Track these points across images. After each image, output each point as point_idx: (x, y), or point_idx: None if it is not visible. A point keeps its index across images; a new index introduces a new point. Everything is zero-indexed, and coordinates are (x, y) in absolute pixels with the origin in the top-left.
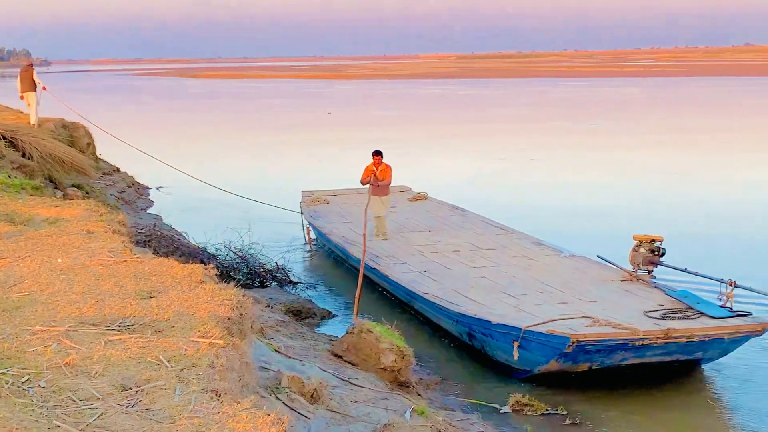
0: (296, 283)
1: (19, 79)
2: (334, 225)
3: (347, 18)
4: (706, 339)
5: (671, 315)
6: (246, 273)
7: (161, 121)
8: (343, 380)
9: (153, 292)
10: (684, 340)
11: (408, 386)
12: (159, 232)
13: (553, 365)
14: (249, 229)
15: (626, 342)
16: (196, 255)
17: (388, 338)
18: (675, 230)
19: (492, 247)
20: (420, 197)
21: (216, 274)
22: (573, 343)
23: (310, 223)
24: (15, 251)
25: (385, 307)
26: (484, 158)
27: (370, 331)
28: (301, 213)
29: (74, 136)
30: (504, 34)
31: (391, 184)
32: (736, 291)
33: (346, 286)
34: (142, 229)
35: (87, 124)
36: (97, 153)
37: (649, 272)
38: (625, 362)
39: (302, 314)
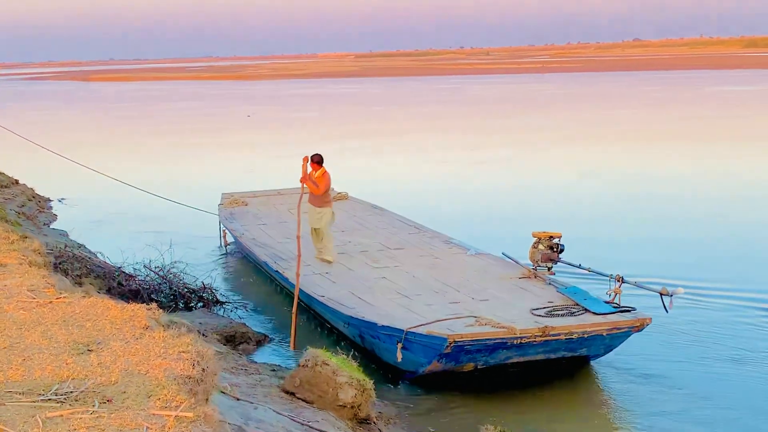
0: (223, 303)
1: None
2: (247, 227)
3: (240, 17)
4: (586, 336)
5: (556, 312)
6: (169, 294)
7: (66, 126)
8: (302, 424)
9: (91, 344)
10: (563, 337)
11: (369, 423)
12: (70, 253)
13: (437, 366)
14: (170, 247)
15: (505, 341)
16: (113, 276)
17: (346, 371)
18: (593, 225)
19: (400, 246)
20: (341, 197)
21: (132, 292)
22: (451, 343)
23: (224, 226)
24: None
25: (313, 325)
26: (412, 158)
27: (326, 364)
28: (218, 215)
29: None
30: (400, 33)
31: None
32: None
33: (272, 301)
34: (50, 250)
35: None
36: None
37: (549, 269)
38: (510, 360)
39: (236, 339)
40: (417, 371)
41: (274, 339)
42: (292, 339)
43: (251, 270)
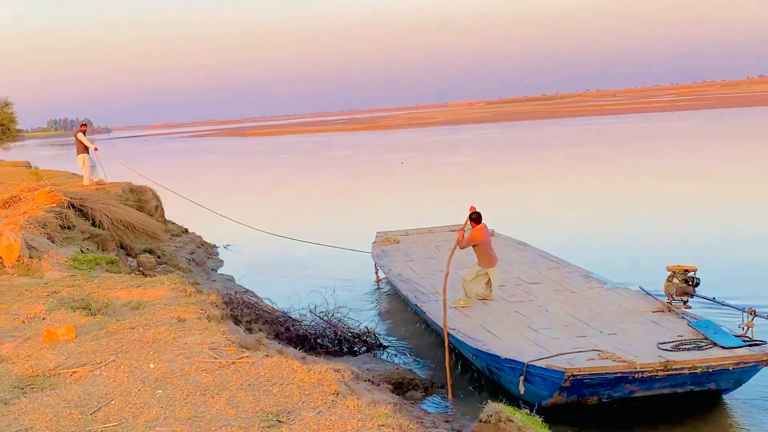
0: (386, 347)
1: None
2: (395, 263)
3: (376, 73)
4: (711, 370)
5: (683, 346)
6: (333, 339)
7: (232, 179)
8: None
9: (280, 414)
10: (687, 371)
11: None
12: (239, 299)
13: (558, 398)
14: (333, 292)
15: (626, 375)
16: (280, 322)
17: (531, 427)
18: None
19: (538, 281)
20: None
21: (302, 336)
22: (569, 377)
23: (375, 263)
24: (96, 353)
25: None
26: (559, 195)
27: (510, 420)
28: (371, 253)
29: (142, 199)
30: (528, 79)
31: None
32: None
33: (425, 341)
34: (222, 296)
35: (152, 185)
36: (166, 215)
37: (684, 302)
38: (635, 394)
39: (404, 386)
40: (541, 403)
41: (435, 383)
42: (449, 387)
43: (400, 305)
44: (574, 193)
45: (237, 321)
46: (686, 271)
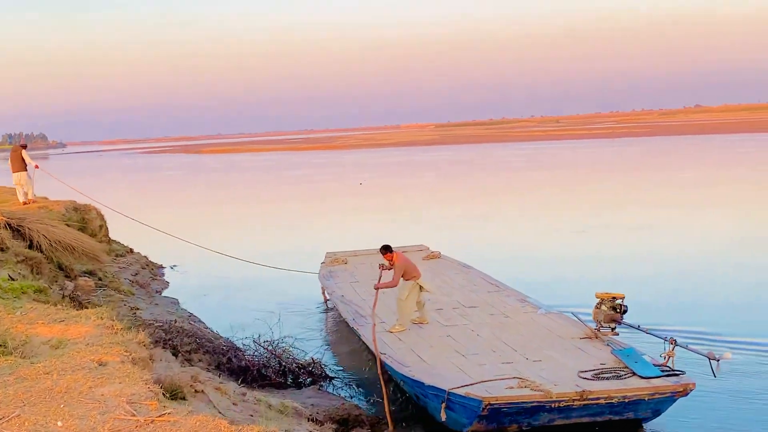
0: (332, 378)
1: (10, 159)
2: (340, 285)
3: (331, 94)
4: (627, 400)
5: (603, 375)
6: (278, 370)
7: (182, 196)
8: None
9: None
10: (603, 401)
11: None
12: (179, 327)
13: (478, 426)
14: (279, 320)
15: (542, 404)
16: (223, 352)
17: None
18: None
19: (475, 304)
20: (433, 255)
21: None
22: (486, 405)
23: (321, 284)
24: (1, 405)
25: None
26: (507, 218)
27: None
28: (318, 273)
29: (86, 218)
30: (475, 103)
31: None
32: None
33: (368, 370)
34: (160, 324)
35: (95, 204)
36: (111, 234)
37: (612, 329)
38: (553, 423)
39: (349, 424)
40: (462, 431)
41: (382, 419)
42: (388, 419)
43: (347, 329)
44: (521, 214)
45: (176, 351)
46: (614, 298)
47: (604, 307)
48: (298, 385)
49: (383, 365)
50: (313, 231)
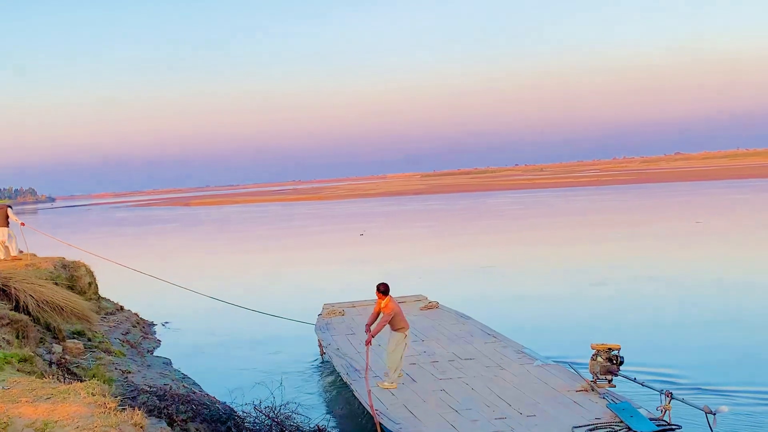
0: None
1: None
2: (336, 337)
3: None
4: None
5: (597, 430)
6: None
7: (178, 249)
8: None
9: None
10: None
11: None
12: (175, 394)
13: None
14: (281, 384)
15: None
16: (222, 420)
17: None
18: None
19: (471, 356)
20: (431, 306)
21: None
22: None
23: (317, 336)
24: None
25: None
26: (506, 267)
27: None
28: (315, 325)
29: (75, 275)
30: (460, 153)
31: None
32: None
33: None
34: (155, 391)
35: (86, 255)
36: (100, 291)
37: (609, 381)
38: None
39: None
40: None
41: None
42: None
43: (339, 382)
44: (520, 264)
45: (171, 420)
46: (610, 349)
47: (599, 359)
48: None
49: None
50: (314, 281)
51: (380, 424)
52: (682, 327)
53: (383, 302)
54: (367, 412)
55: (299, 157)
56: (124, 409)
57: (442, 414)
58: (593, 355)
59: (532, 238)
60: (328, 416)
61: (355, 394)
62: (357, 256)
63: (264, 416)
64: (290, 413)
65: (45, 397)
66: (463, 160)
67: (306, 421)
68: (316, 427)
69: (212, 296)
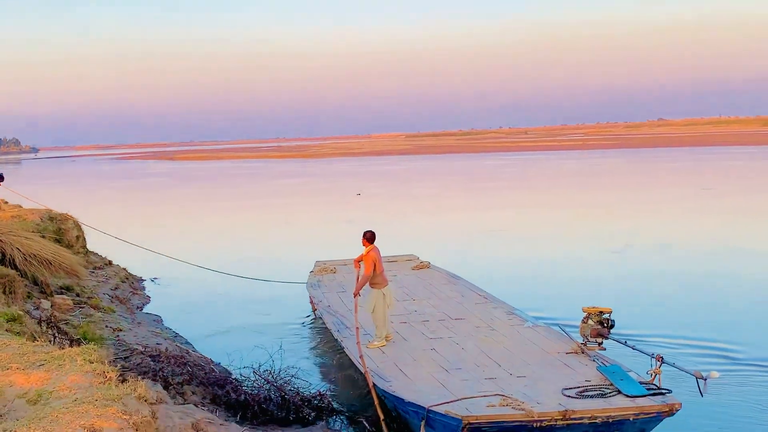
0: (339, 412)
1: None
2: (327, 294)
3: (302, 103)
4: (611, 420)
5: (587, 393)
6: (281, 405)
7: (167, 205)
8: None
9: None
10: (586, 421)
11: None
12: (170, 355)
13: None
14: (280, 347)
15: (523, 423)
16: (220, 384)
17: None
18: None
19: (462, 316)
20: (422, 266)
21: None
22: (465, 425)
23: (308, 293)
24: None
25: None
26: (501, 229)
27: None
28: (306, 283)
29: (62, 228)
30: (445, 114)
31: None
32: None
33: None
34: (149, 351)
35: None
36: (88, 245)
37: (599, 344)
38: None
39: None
40: None
41: None
42: None
43: (328, 337)
44: (515, 226)
45: (167, 383)
46: (601, 312)
47: (590, 322)
48: (302, 422)
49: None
50: (308, 240)
51: (373, 384)
52: (677, 294)
53: (366, 250)
54: (360, 370)
55: (282, 115)
56: (125, 379)
57: (432, 373)
58: (584, 318)
59: (528, 201)
60: (323, 377)
61: (346, 351)
62: (354, 216)
63: (263, 380)
64: (290, 378)
65: (38, 364)
66: (447, 121)
67: (306, 386)
68: (318, 393)
69: (203, 266)
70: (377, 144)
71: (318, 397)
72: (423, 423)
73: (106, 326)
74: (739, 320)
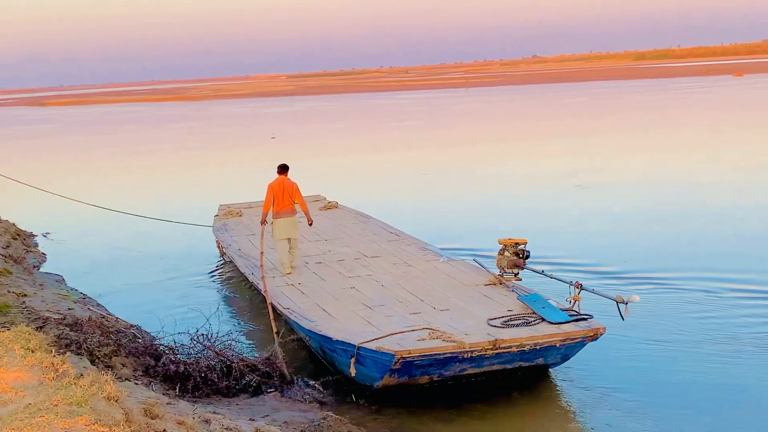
0: (291, 379)
1: None
2: (235, 238)
3: (174, 42)
4: (538, 347)
5: (512, 322)
6: (227, 374)
7: (56, 154)
8: None
9: None
10: (515, 349)
11: None
12: (93, 323)
13: (390, 380)
14: (217, 309)
15: (455, 355)
16: (153, 353)
17: None
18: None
19: (377, 254)
20: (331, 206)
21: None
22: (398, 359)
23: (215, 237)
24: None
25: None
26: (400, 167)
27: None
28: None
29: None
30: (325, 54)
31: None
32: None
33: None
34: (64, 319)
35: None
36: None
37: (515, 275)
38: (465, 372)
39: None
40: (372, 385)
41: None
42: (285, 371)
43: (242, 283)
44: (414, 164)
45: (93, 357)
46: (517, 244)
47: (507, 253)
48: (248, 390)
49: (288, 320)
50: (212, 184)
51: (274, 310)
52: (590, 223)
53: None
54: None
55: (155, 57)
56: (79, 375)
57: (355, 311)
58: (500, 249)
59: (434, 139)
60: (252, 336)
61: (262, 293)
62: (265, 159)
63: (202, 347)
64: (230, 341)
65: None
66: (327, 62)
67: (247, 349)
68: (267, 358)
69: (100, 205)
70: (258, 85)
71: (268, 363)
72: (353, 361)
73: (8, 291)
74: (655, 248)
